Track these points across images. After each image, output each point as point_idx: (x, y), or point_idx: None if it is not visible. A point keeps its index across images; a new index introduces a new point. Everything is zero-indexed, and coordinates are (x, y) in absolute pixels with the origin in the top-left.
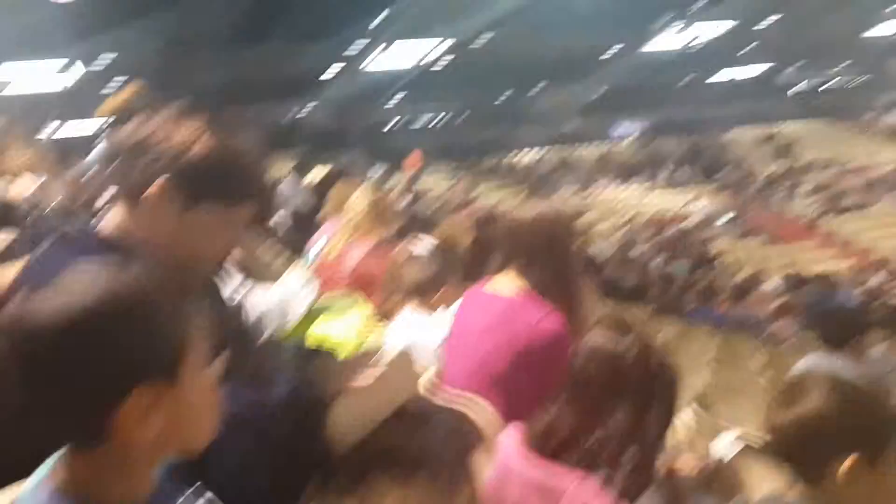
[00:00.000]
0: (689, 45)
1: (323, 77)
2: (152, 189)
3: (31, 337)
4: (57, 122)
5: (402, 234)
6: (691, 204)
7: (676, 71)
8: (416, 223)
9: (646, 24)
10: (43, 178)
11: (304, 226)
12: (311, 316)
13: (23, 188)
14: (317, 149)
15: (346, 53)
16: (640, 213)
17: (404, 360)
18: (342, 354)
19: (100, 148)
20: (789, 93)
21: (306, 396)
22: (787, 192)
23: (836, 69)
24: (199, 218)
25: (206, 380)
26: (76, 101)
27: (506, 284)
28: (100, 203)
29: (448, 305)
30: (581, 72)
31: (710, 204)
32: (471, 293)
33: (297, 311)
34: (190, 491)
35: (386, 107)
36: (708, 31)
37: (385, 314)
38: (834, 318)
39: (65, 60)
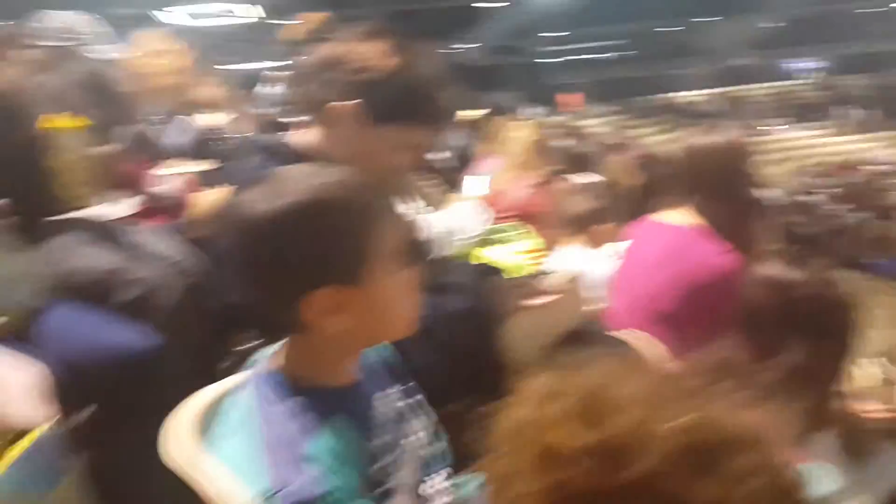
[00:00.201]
0: None
1: (481, 6)
2: (340, 107)
3: (245, 229)
4: (238, 58)
5: (563, 171)
6: (878, 150)
7: None
8: (576, 161)
9: None
10: (233, 113)
11: (462, 160)
12: (480, 242)
13: (216, 120)
14: (474, 84)
15: None
16: (818, 159)
17: (575, 284)
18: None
19: (286, 74)
20: None
21: (483, 309)
22: None
23: None
24: (383, 136)
25: (396, 284)
26: (256, 37)
27: (679, 218)
28: (289, 123)
29: (612, 242)
30: (755, 1)
31: None
32: (641, 226)
33: (469, 236)
34: (401, 388)
35: (544, 43)
36: None
37: (548, 248)
38: None
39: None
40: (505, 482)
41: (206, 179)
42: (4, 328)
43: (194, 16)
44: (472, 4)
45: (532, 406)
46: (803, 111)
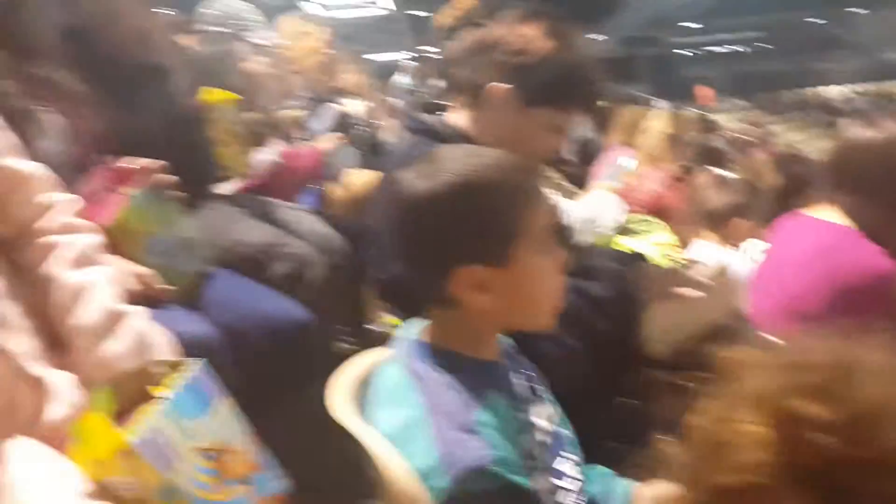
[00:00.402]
0: None
1: None
2: (497, 89)
3: (404, 206)
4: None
5: (696, 165)
6: None
7: None
8: (709, 156)
9: None
10: (370, 101)
11: (588, 152)
12: (618, 232)
13: (355, 107)
14: (606, 75)
15: None
16: None
17: (726, 276)
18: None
19: (419, 64)
20: None
21: (629, 296)
22: None
23: None
24: (533, 119)
25: (542, 266)
26: (391, 29)
27: (831, 215)
28: (441, 106)
29: (747, 239)
30: None
31: None
32: (789, 221)
33: (606, 225)
34: (527, 373)
35: (682, 34)
36: None
37: (682, 243)
38: None
39: None
40: (725, 450)
41: (345, 161)
42: (173, 294)
43: (327, 7)
44: None
45: (772, 376)
46: None
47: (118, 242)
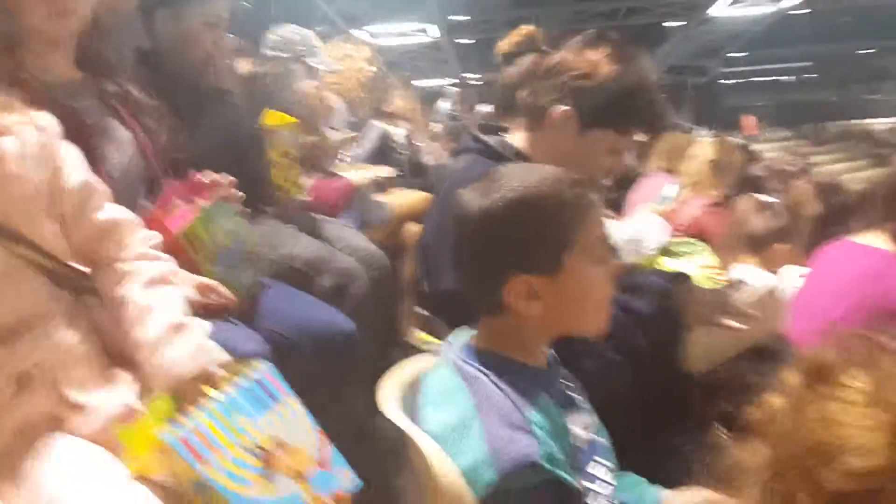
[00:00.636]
0: None
1: (671, 26)
2: (555, 113)
3: (464, 222)
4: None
5: (738, 193)
6: None
7: None
8: (751, 184)
9: None
10: (416, 125)
11: (627, 175)
12: (662, 253)
13: (399, 131)
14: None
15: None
16: None
17: (773, 297)
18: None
19: (463, 91)
20: None
21: (673, 313)
22: None
23: None
24: (592, 141)
25: (592, 279)
26: (434, 56)
27: (876, 241)
28: (499, 127)
29: (788, 265)
30: None
31: None
32: (833, 246)
33: (650, 245)
34: (566, 382)
35: (729, 64)
36: None
37: (723, 267)
38: None
39: (421, 24)
40: (835, 454)
41: (389, 184)
42: (236, 305)
43: (375, 35)
44: (664, 24)
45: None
46: None
47: (187, 252)
